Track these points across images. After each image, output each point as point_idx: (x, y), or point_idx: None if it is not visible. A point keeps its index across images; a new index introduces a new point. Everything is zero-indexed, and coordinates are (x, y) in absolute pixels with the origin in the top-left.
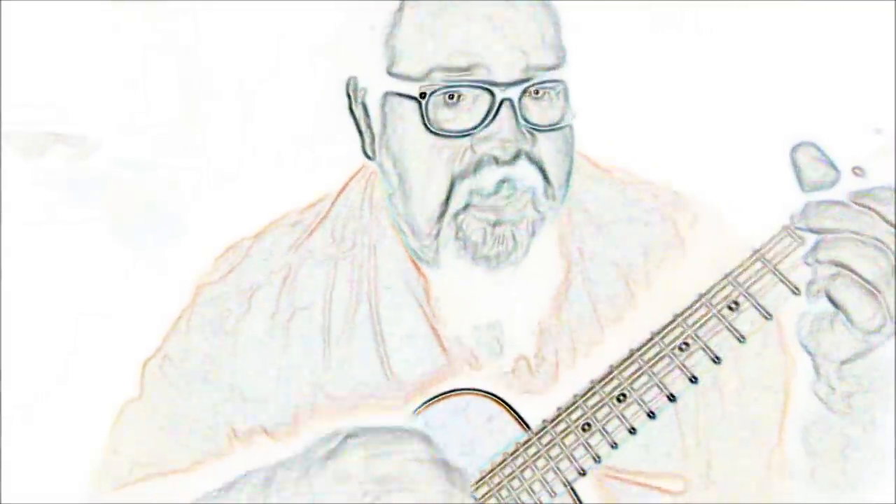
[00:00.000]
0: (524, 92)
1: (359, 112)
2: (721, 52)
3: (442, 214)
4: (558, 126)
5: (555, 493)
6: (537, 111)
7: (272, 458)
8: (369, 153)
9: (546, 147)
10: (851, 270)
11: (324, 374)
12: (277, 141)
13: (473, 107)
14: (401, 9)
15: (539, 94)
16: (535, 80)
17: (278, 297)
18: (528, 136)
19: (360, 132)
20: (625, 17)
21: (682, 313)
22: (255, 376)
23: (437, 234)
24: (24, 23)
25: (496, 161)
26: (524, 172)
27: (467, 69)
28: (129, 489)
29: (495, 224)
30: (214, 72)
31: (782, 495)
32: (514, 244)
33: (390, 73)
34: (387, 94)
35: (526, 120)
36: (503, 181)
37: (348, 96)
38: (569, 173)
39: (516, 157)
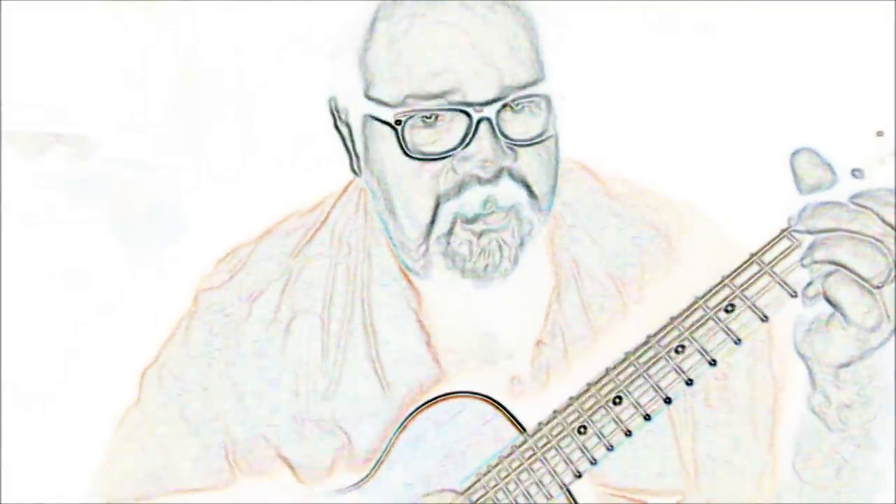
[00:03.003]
0: (502, 109)
1: (344, 130)
2: (719, 56)
3: (428, 234)
4: (538, 140)
5: (551, 496)
6: (517, 126)
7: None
8: (356, 171)
9: (528, 161)
10: (847, 268)
11: (321, 381)
12: (277, 141)
13: (451, 127)
14: (372, 29)
15: (519, 108)
16: (510, 98)
17: (279, 303)
18: (508, 152)
19: (347, 150)
20: (621, 19)
21: (679, 316)
22: (253, 384)
23: (426, 252)
24: (24, 23)
25: (479, 181)
26: (507, 190)
27: (441, 94)
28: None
29: (481, 235)
30: (214, 72)
31: None
32: (501, 255)
33: (367, 97)
34: (366, 117)
35: (506, 136)
36: (486, 201)
37: (332, 115)
38: (553, 185)
39: (498, 175)
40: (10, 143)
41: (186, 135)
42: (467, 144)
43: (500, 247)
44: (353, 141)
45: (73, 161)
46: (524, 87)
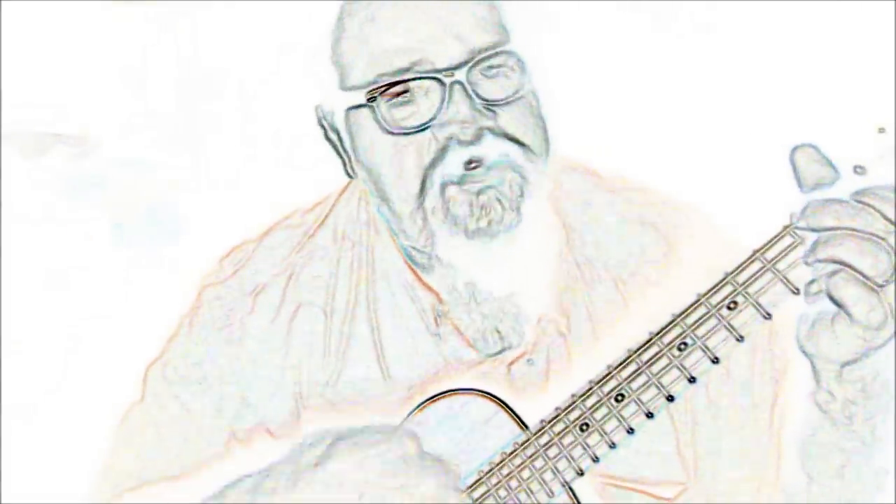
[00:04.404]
0: (472, 71)
1: (333, 137)
2: (719, 53)
3: (422, 205)
4: (514, 99)
5: (553, 493)
6: (492, 87)
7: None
8: (350, 173)
9: (509, 119)
10: (850, 267)
11: (324, 374)
12: (277, 141)
13: (427, 99)
14: (338, 24)
15: (492, 72)
16: (477, 58)
17: (282, 298)
18: (486, 112)
19: (340, 156)
20: (622, 16)
21: (681, 313)
22: (257, 377)
23: (425, 225)
24: (24, 23)
25: (459, 142)
26: (491, 148)
27: (410, 66)
28: (129, 495)
29: (479, 193)
30: (214, 72)
31: None
32: (503, 208)
33: (343, 89)
34: (347, 110)
35: (481, 97)
36: (470, 161)
37: (321, 125)
38: (543, 136)
39: (479, 135)
40: (10, 143)
41: (186, 135)
42: (445, 110)
43: (499, 200)
44: (342, 142)
45: (73, 161)
46: (490, 48)
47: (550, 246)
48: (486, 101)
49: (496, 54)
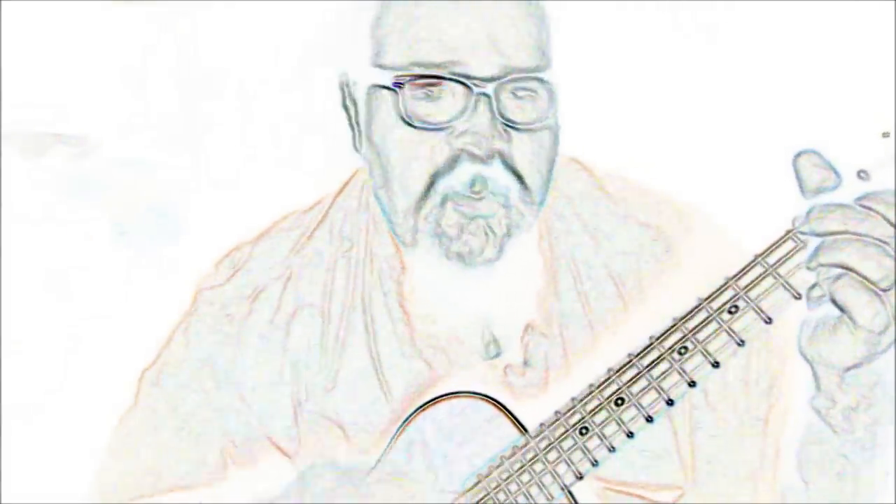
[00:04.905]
0: (501, 88)
1: (350, 107)
2: (721, 56)
3: (419, 208)
4: (534, 125)
5: (552, 497)
6: (516, 109)
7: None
8: (357, 147)
9: (521, 148)
10: (854, 271)
11: (322, 378)
12: (277, 141)
13: (451, 101)
14: (385, 1)
15: (521, 94)
16: (510, 77)
17: (279, 301)
18: (503, 134)
19: (352, 127)
20: (625, 19)
21: (682, 317)
22: (253, 382)
23: (415, 228)
24: (24, 23)
25: (470, 158)
26: (498, 176)
27: (445, 64)
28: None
29: (472, 219)
30: (214, 72)
31: None
32: (486, 241)
33: (375, 65)
34: (371, 87)
35: (503, 115)
36: (474, 181)
37: (342, 91)
38: (548, 178)
39: (491, 156)
40: (10, 143)
41: (186, 135)
42: (466, 118)
43: (486, 233)
44: (357, 115)
45: (73, 161)
46: (527, 71)
47: (528, 286)
48: (507, 121)
49: (531, 79)
